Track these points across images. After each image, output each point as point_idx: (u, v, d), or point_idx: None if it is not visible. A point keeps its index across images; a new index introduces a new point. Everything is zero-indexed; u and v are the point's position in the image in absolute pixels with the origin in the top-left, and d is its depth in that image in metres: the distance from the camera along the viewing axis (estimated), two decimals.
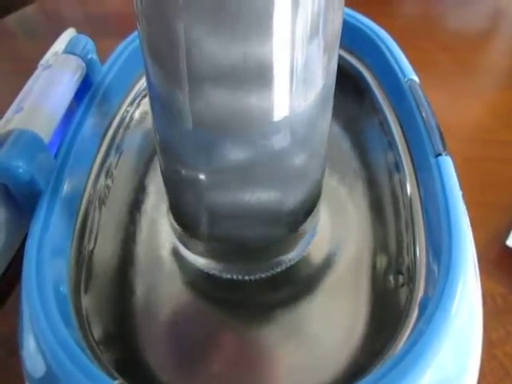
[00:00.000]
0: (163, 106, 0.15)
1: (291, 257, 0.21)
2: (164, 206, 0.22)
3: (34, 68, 0.22)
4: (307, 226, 0.20)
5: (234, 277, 0.20)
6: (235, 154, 0.15)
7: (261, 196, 0.17)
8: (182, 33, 0.12)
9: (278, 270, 0.20)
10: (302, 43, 0.13)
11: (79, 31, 0.25)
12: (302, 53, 0.13)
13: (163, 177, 0.19)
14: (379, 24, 0.25)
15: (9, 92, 0.21)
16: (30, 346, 0.15)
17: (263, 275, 0.20)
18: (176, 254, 0.22)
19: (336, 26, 0.14)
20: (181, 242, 0.21)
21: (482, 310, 0.16)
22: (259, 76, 0.13)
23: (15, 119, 0.18)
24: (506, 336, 0.24)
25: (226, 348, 0.19)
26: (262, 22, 0.12)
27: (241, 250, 0.20)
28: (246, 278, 0.20)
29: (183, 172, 0.17)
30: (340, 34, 0.15)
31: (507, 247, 0.27)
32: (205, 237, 0.20)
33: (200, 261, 0.21)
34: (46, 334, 0.14)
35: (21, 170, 0.17)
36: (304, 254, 0.21)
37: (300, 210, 0.19)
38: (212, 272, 0.20)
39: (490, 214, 0.29)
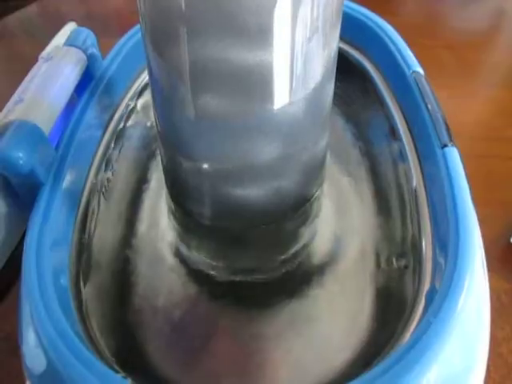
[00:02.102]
0: (165, 97, 0.15)
1: (291, 256, 0.21)
2: (164, 200, 0.22)
3: None
4: (308, 221, 0.20)
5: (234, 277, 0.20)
6: (236, 144, 0.15)
7: (260, 186, 0.17)
8: (185, 34, 0.13)
9: (280, 270, 0.20)
10: (302, 42, 0.13)
11: None
12: (302, 51, 0.13)
13: (164, 168, 0.19)
14: None
15: (8, 91, 0.21)
16: (30, 341, 0.15)
17: (264, 275, 0.20)
18: (175, 246, 0.21)
19: (335, 23, 0.15)
20: (180, 238, 0.21)
21: (489, 304, 0.16)
22: (260, 72, 0.13)
23: (15, 110, 0.18)
24: None
25: (227, 341, 0.19)
26: (262, 24, 0.12)
27: (240, 246, 0.20)
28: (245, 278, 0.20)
29: (184, 163, 0.17)
30: (339, 27, 0.15)
31: None
32: (205, 230, 0.20)
33: (200, 259, 0.21)
34: (46, 327, 0.14)
35: (21, 162, 0.16)
36: (305, 250, 0.21)
37: (301, 201, 0.19)
38: (210, 272, 0.20)
39: (495, 212, 0.29)
